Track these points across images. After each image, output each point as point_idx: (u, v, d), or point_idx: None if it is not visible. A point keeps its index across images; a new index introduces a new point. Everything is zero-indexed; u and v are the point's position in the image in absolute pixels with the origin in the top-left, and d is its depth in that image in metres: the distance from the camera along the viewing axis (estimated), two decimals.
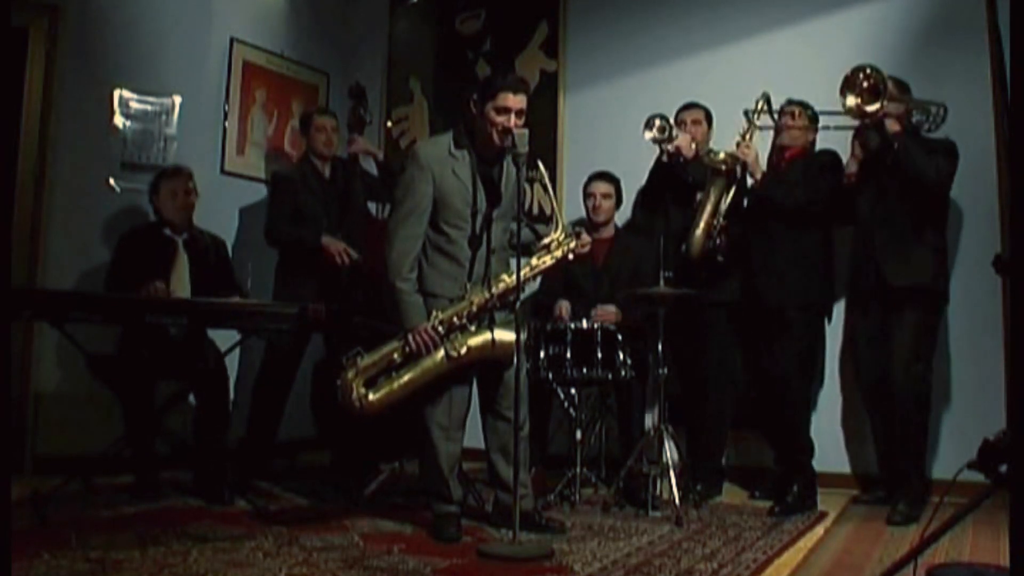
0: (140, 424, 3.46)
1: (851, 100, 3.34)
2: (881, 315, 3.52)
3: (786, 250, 3.60)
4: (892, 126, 3.37)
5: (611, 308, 3.84)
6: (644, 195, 4.17)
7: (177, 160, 4.24)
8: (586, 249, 3.17)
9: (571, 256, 3.11)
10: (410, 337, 2.89)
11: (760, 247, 3.66)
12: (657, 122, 3.81)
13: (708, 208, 3.66)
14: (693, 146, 3.85)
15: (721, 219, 3.63)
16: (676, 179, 3.88)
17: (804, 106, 3.73)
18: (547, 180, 3.09)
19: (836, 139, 3.71)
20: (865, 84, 3.32)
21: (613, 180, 4.13)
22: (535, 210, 4.74)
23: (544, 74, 4.95)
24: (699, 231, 3.65)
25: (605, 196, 4.09)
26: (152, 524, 2.97)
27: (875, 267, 3.47)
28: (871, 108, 3.31)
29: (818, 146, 3.77)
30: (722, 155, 3.65)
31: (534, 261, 3.05)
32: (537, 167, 2.89)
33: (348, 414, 2.93)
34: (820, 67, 4.04)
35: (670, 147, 3.81)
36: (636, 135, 3.89)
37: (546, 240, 3.09)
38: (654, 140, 3.83)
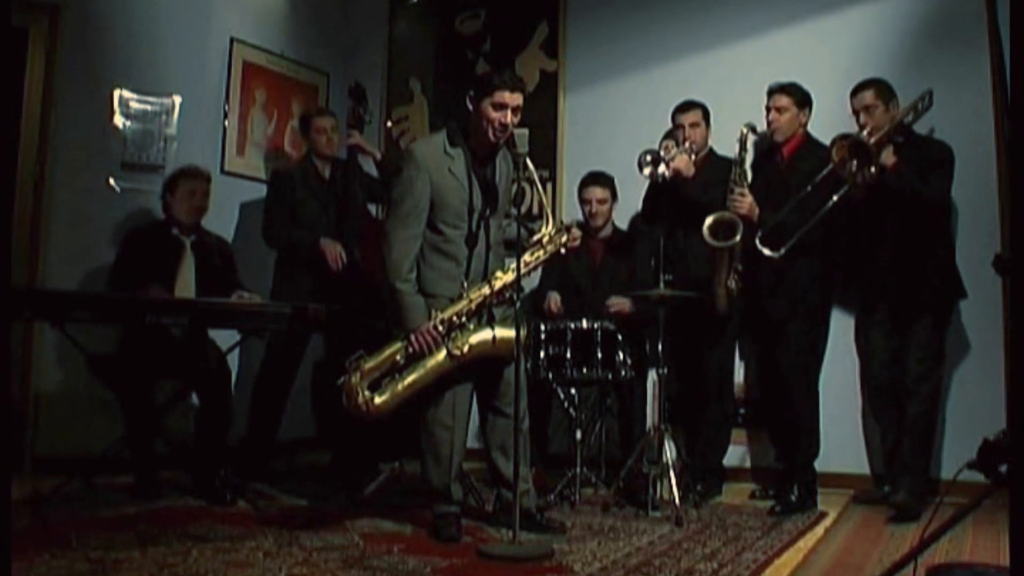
0: (140, 424, 3.46)
1: (854, 166, 3.32)
2: (891, 321, 3.53)
3: (791, 273, 3.58)
4: (887, 159, 3.36)
5: (625, 300, 3.84)
6: (645, 210, 4.12)
7: (177, 160, 4.24)
8: (577, 243, 3.19)
9: (563, 250, 3.12)
10: (412, 338, 2.89)
11: (767, 271, 3.62)
12: (648, 157, 3.71)
13: (724, 271, 3.60)
14: (691, 165, 3.78)
15: (738, 267, 3.60)
16: (675, 196, 3.83)
17: (788, 91, 3.70)
18: (535, 176, 3.11)
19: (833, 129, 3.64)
20: (848, 151, 3.31)
21: (607, 183, 4.09)
22: (534, 210, 4.74)
23: (544, 74, 4.94)
24: (721, 291, 3.62)
25: (601, 201, 4.06)
26: (152, 524, 2.97)
27: (884, 286, 3.47)
28: (867, 165, 3.28)
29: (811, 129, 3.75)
30: (717, 228, 3.55)
31: (528, 257, 3.04)
32: (525, 164, 2.88)
33: (354, 418, 2.93)
34: (820, 67, 4.05)
35: (667, 173, 3.73)
36: (635, 135, 3.90)
37: (538, 235, 3.10)
38: (651, 176, 3.75)
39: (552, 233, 3.09)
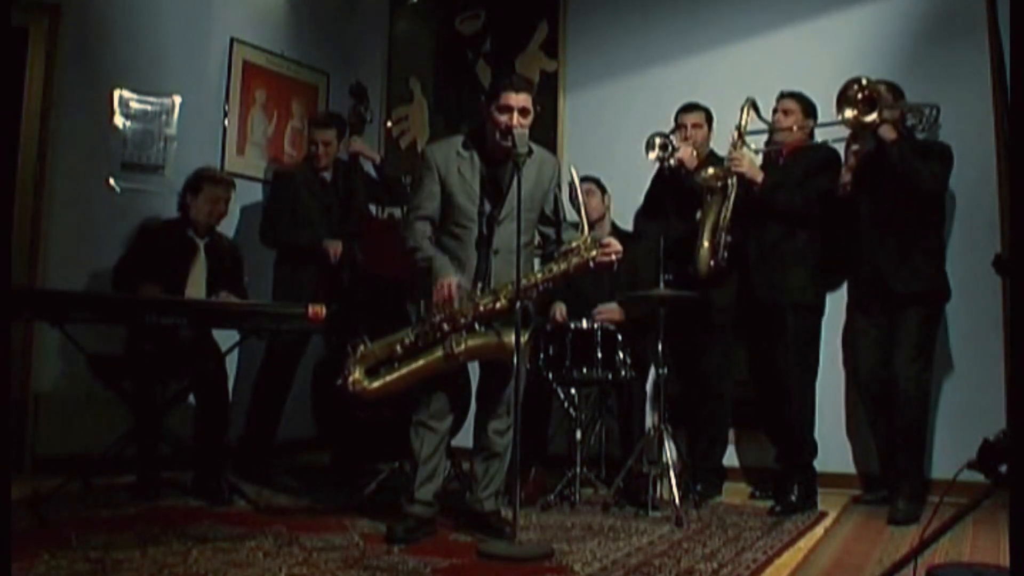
0: (146, 423, 3.45)
1: (848, 113, 3.35)
2: (882, 316, 3.53)
3: (781, 250, 3.61)
4: (888, 133, 3.37)
5: (613, 306, 3.83)
6: (647, 203, 4.15)
7: (177, 160, 4.25)
8: (613, 258, 2.93)
9: (592, 264, 2.92)
10: (437, 287, 2.84)
11: (756, 247, 3.66)
12: (658, 140, 3.78)
13: (709, 226, 3.64)
14: (694, 156, 3.82)
15: (724, 235, 3.62)
16: (678, 186, 3.86)
17: (797, 97, 3.74)
18: (577, 183, 3.08)
19: (833, 130, 3.66)
20: (860, 96, 3.33)
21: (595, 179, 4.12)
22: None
23: (544, 74, 4.94)
24: (704, 251, 3.64)
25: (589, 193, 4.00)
26: (152, 524, 2.97)
27: (877, 274, 3.48)
28: (868, 119, 3.32)
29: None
30: (712, 171, 3.63)
31: (552, 266, 2.94)
32: (569, 172, 2.91)
33: (344, 398, 2.96)
34: (820, 67, 4.05)
35: (672, 161, 3.78)
36: (636, 135, 3.89)
37: (568, 246, 2.98)
38: (658, 159, 3.80)
39: (584, 245, 2.93)
